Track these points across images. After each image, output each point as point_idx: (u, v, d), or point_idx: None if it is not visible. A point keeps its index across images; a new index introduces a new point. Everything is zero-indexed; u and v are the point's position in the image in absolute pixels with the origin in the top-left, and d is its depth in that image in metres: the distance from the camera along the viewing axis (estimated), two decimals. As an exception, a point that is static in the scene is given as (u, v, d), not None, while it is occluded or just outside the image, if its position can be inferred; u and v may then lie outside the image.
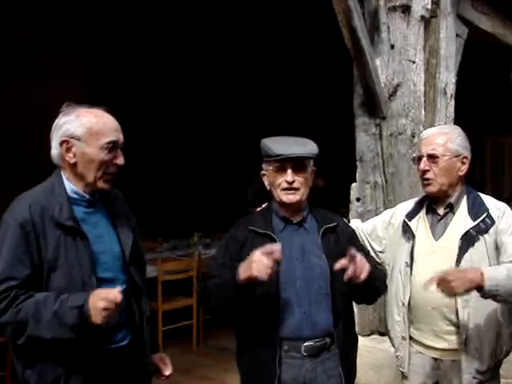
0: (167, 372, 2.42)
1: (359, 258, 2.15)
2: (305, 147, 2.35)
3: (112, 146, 2.09)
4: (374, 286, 2.37)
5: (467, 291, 2.27)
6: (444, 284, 2.24)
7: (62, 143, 2.08)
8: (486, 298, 2.31)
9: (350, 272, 2.12)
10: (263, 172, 2.44)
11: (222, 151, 10.04)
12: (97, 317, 1.89)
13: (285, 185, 2.32)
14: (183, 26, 7.44)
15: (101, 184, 2.12)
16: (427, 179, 2.55)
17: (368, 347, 4.13)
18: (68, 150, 2.08)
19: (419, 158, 2.59)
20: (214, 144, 9.95)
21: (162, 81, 8.96)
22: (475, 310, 2.44)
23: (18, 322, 1.93)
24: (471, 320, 2.44)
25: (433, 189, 2.55)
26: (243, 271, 2.12)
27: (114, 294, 1.90)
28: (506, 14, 5.84)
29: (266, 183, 2.44)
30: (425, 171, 2.54)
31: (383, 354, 4.14)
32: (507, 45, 6.12)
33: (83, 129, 2.06)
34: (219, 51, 8.43)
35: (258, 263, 2.06)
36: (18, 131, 6.53)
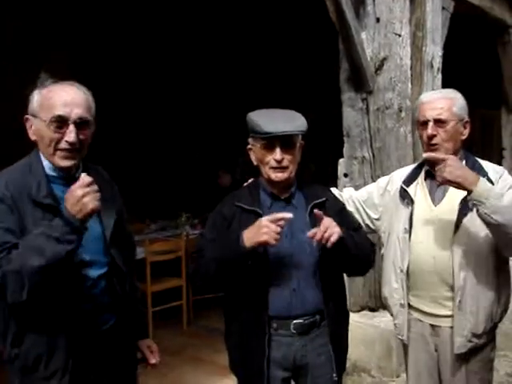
0: (153, 360, 2.37)
1: (327, 220, 2.13)
2: (293, 123, 2.29)
3: (60, 122, 1.97)
4: (354, 254, 2.31)
5: (454, 185, 2.27)
6: (443, 166, 2.25)
7: (25, 120, 2.03)
8: (472, 207, 2.30)
9: (317, 236, 2.10)
10: (249, 147, 2.38)
11: (208, 130, 9.99)
12: (83, 208, 1.84)
13: (273, 163, 2.27)
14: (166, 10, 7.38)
15: (57, 161, 2.01)
16: (434, 144, 2.51)
17: (358, 323, 4.15)
18: (30, 127, 2.03)
19: (424, 123, 2.54)
20: (200, 123, 9.90)
21: (145, 64, 8.88)
22: (472, 274, 2.43)
23: (13, 269, 1.83)
24: (467, 283, 2.43)
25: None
26: (250, 237, 2.10)
27: (80, 181, 1.86)
28: (493, -13, 5.81)
29: (253, 158, 2.38)
30: (433, 136, 2.50)
31: (373, 330, 4.15)
32: (494, 18, 6.10)
33: (37, 104, 2.00)
34: (202, 30, 8.39)
35: (267, 228, 2.06)
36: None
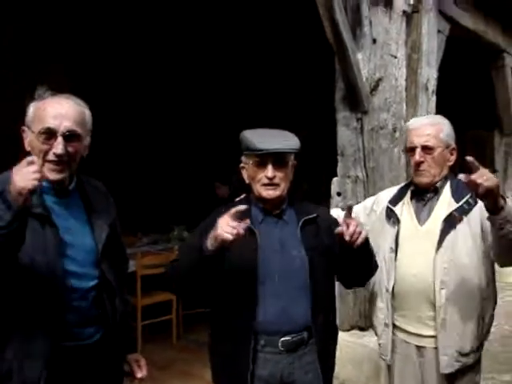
0: (139, 374, 2.34)
1: (355, 222, 2.13)
2: (286, 142, 2.31)
3: (47, 134, 1.97)
4: (370, 256, 2.34)
5: (492, 198, 2.10)
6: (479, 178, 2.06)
7: (22, 132, 2.05)
8: (494, 223, 2.18)
9: (350, 231, 2.09)
10: (242, 165, 2.40)
11: (202, 146, 10.00)
12: (13, 187, 1.72)
13: (265, 180, 2.28)
14: (164, 20, 7.43)
15: (46, 173, 1.97)
16: (421, 170, 2.56)
17: (348, 342, 4.14)
18: (25, 138, 2.04)
19: (412, 149, 2.59)
20: (194, 138, 9.91)
21: (142, 77, 8.92)
22: (453, 292, 2.45)
23: None
24: (449, 302, 2.44)
25: (426, 180, 2.57)
26: (210, 236, 2.07)
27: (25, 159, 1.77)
28: (487, 12, 5.89)
29: (245, 176, 2.39)
30: (421, 162, 2.55)
31: (363, 349, 4.14)
32: (488, 42, 6.17)
33: (31, 116, 2.02)
34: (198, 47, 8.46)
35: (222, 223, 2.02)
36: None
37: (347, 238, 2.10)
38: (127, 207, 7.34)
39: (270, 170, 2.26)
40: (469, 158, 2.06)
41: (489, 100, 7.12)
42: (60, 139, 1.98)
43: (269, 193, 2.29)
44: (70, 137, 2.00)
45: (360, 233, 2.12)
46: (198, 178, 9.67)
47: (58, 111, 2.00)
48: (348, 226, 2.11)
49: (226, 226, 2.00)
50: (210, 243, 2.06)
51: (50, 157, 1.98)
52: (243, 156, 2.38)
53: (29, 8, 7.08)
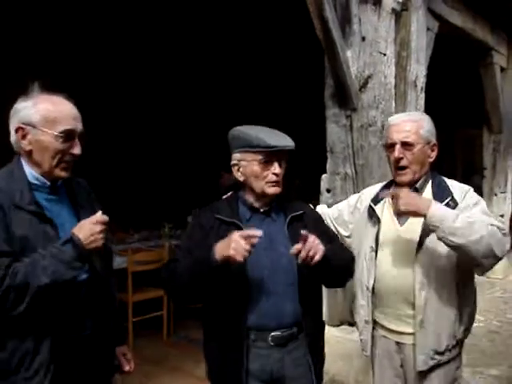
0: (126, 367, 2.40)
1: (311, 239, 2.14)
2: (287, 139, 2.33)
3: (68, 135, 2.06)
4: (334, 267, 2.35)
5: (411, 215, 2.39)
6: (396, 200, 2.36)
7: (17, 130, 2.05)
8: (430, 231, 2.37)
9: (302, 254, 2.12)
10: (235, 162, 2.38)
11: (194, 142, 10.01)
12: (89, 240, 1.97)
13: (273, 177, 2.30)
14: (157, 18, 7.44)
15: (57, 172, 2.08)
16: (402, 168, 2.54)
17: (337, 337, 4.17)
18: (23, 136, 2.05)
19: (391, 145, 2.57)
20: (186, 135, 9.92)
21: (135, 70, 8.92)
22: (432, 292, 2.47)
23: (18, 283, 1.88)
24: (428, 302, 2.46)
25: (407, 178, 2.55)
26: (220, 250, 2.09)
27: (98, 216, 1.99)
28: (476, 10, 5.93)
29: (238, 174, 2.38)
30: (400, 159, 2.52)
31: (353, 344, 4.17)
32: (477, 40, 6.22)
33: (39, 116, 2.03)
34: (194, 47, 8.47)
35: (236, 243, 2.04)
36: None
37: (303, 254, 2.12)
38: (119, 204, 7.38)
39: (277, 167, 2.29)
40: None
41: (477, 98, 7.17)
42: (76, 140, 2.09)
43: (274, 190, 2.33)
44: (80, 137, 2.11)
45: (316, 252, 2.14)
46: (191, 174, 9.70)
47: (73, 112, 2.09)
48: (305, 242, 2.13)
49: (241, 249, 2.04)
50: (218, 257, 2.10)
51: (68, 157, 2.08)
52: (238, 153, 2.37)
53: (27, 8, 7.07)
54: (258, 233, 2.09)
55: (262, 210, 2.40)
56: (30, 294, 1.90)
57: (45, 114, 2.03)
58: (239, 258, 2.04)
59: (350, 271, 2.57)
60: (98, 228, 1.98)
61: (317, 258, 2.13)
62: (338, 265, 2.40)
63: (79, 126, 2.10)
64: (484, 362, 4.51)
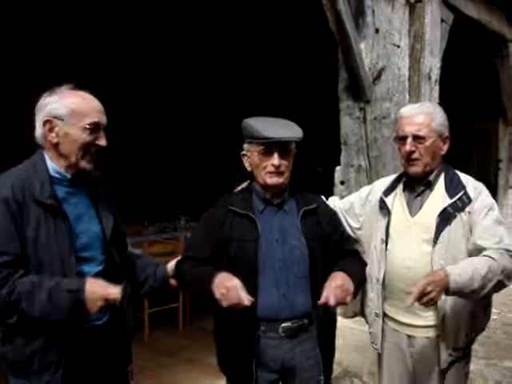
0: None
1: (339, 288, 2.22)
2: (291, 130, 2.35)
3: (94, 127, 2.12)
4: (359, 286, 2.46)
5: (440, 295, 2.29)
6: (425, 296, 2.21)
7: (45, 123, 2.10)
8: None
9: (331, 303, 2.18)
10: (244, 152, 2.43)
11: (209, 134, 10.04)
12: (93, 306, 1.98)
13: (271, 168, 2.32)
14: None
15: (83, 164, 2.14)
16: (413, 160, 2.50)
17: (352, 329, 4.17)
18: (51, 129, 2.10)
19: (403, 138, 2.53)
20: (201, 127, 9.95)
21: (145, 65, 8.95)
22: None
23: (12, 301, 1.95)
24: (448, 299, 2.43)
25: (418, 169, 2.51)
26: (216, 285, 2.14)
27: (115, 294, 1.98)
28: (492, 1, 5.86)
29: (247, 164, 2.43)
30: (412, 152, 2.49)
31: (366, 336, 4.13)
32: (493, 32, 6.15)
33: (66, 109, 2.08)
34: (202, 39, 8.47)
35: (232, 292, 2.09)
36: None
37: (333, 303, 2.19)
38: (134, 197, 7.43)
39: (276, 159, 2.31)
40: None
41: (493, 90, 7.11)
42: (102, 132, 2.15)
43: (273, 180, 2.34)
44: (105, 130, 2.17)
45: (346, 296, 2.23)
46: (207, 166, 9.72)
47: (98, 106, 2.15)
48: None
49: (235, 298, 2.07)
50: (214, 292, 2.14)
51: (93, 149, 2.14)
52: (246, 143, 2.42)
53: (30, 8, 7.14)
54: (246, 302, 2.08)
55: (275, 203, 2.42)
56: (20, 315, 1.98)
57: (72, 107, 2.09)
58: (223, 304, 2.09)
59: (364, 282, 2.64)
60: (107, 300, 2.00)
61: (348, 299, 2.23)
62: (361, 283, 2.52)
63: (104, 119, 2.16)
64: (498, 354, 4.50)
